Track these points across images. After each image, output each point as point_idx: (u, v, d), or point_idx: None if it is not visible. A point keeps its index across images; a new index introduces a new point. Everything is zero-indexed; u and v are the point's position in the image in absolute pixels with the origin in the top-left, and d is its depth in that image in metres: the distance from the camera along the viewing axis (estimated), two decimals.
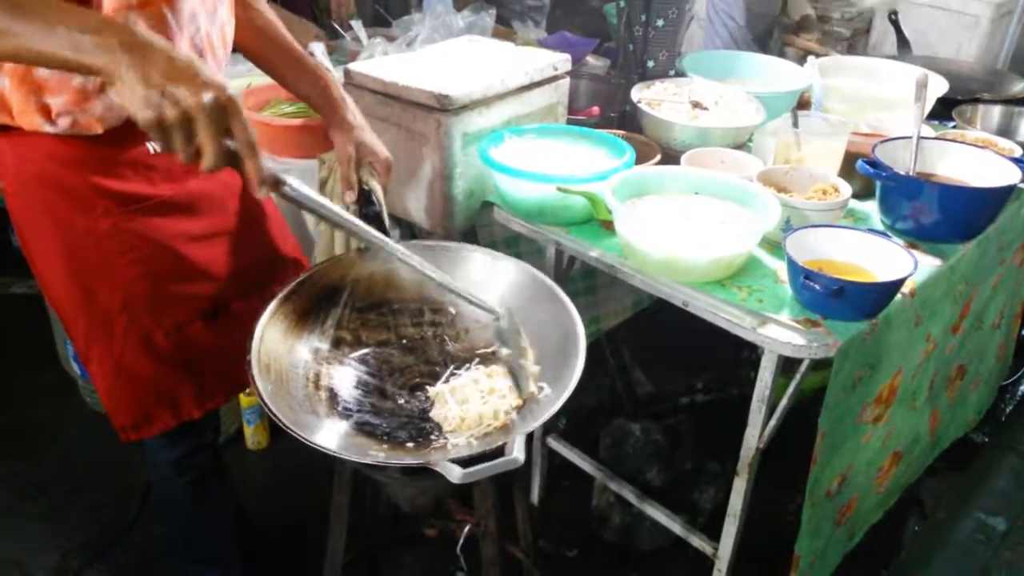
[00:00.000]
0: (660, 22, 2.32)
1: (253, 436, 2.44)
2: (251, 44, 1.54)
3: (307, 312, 1.41)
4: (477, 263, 1.50)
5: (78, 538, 2.14)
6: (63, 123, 1.24)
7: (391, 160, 1.54)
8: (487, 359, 1.41)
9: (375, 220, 1.46)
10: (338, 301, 1.46)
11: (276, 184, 1.08)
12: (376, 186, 1.51)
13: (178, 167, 1.38)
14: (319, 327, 1.42)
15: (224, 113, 0.96)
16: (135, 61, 0.92)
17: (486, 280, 1.48)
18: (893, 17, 2.79)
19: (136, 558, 2.11)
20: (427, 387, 1.36)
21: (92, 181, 1.29)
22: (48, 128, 1.24)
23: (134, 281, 1.36)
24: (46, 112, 1.22)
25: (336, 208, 1.17)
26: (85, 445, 2.45)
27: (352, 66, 1.88)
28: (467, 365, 1.39)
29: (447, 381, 1.36)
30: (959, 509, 2.28)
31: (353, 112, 1.54)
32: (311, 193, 1.12)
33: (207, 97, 0.94)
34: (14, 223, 1.37)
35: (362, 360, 1.42)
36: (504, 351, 1.38)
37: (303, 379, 1.35)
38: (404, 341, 1.47)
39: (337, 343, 1.43)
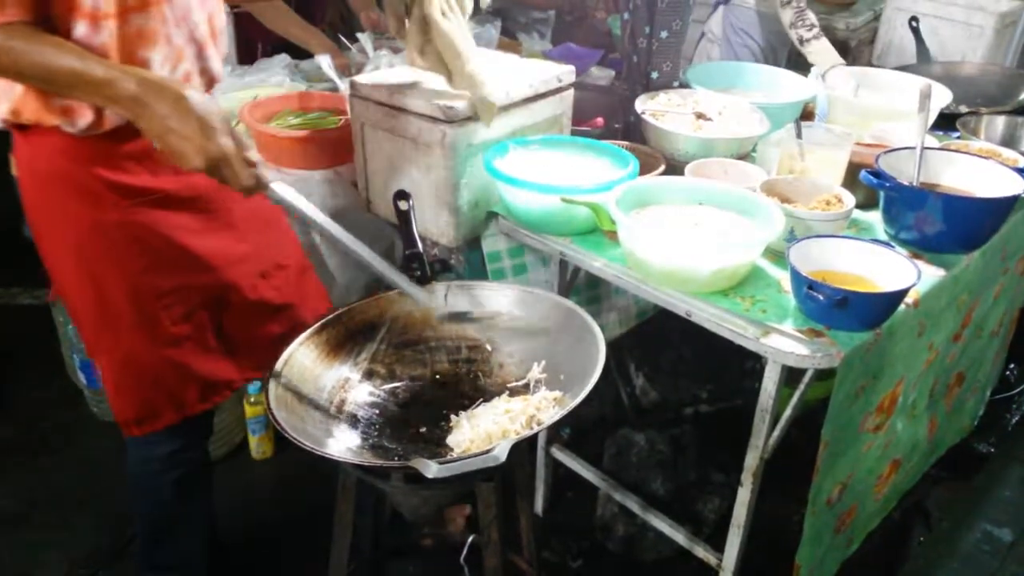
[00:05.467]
0: (664, 33, 2.34)
1: (258, 446, 2.44)
2: None
3: (341, 344, 1.45)
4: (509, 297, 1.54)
5: (85, 548, 2.15)
6: (81, 123, 1.29)
7: None
8: (517, 392, 1.43)
9: (415, 260, 1.52)
10: (375, 336, 1.50)
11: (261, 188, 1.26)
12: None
13: None
14: (352, 359, 1.47)
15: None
16: (167, 113, 1.15)
17: (520, 313, 1.52)
18: (914, 25, 2.80)
19: None
20: (452, 417, 1.38)
21: (100, 175, 1.34)
22: (68, 128, 1.29)
23: (141, 272, 1.41)
24: (67, 113, 1.27)
25: (316, 212, 1.29)
26: (92, 455, 2.46)
27: (358, 78, 1.90)
28: (498, 397, 1.41)
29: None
30: (965, 519, 2.28)
31: None
32: (294, 195, 1.29)
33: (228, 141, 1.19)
34: (28, 218, 1.42)
35: (392, 392, 1.46)
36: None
37: (326, 402, 1.39)
38: (438, 376, 1.50)
39: (369, 375, 1.47)
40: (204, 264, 1.47)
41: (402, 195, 1.56)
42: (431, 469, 1.08)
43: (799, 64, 2.56)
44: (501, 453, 1.10)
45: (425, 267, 1.53)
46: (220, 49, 1.46)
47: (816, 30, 2.49)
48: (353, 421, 1.39)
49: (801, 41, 2.50)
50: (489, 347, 1.53)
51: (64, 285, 1.44)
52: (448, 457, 1.26)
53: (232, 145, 1.19)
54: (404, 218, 1.55)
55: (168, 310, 1.44)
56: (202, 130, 1.16)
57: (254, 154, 1.23)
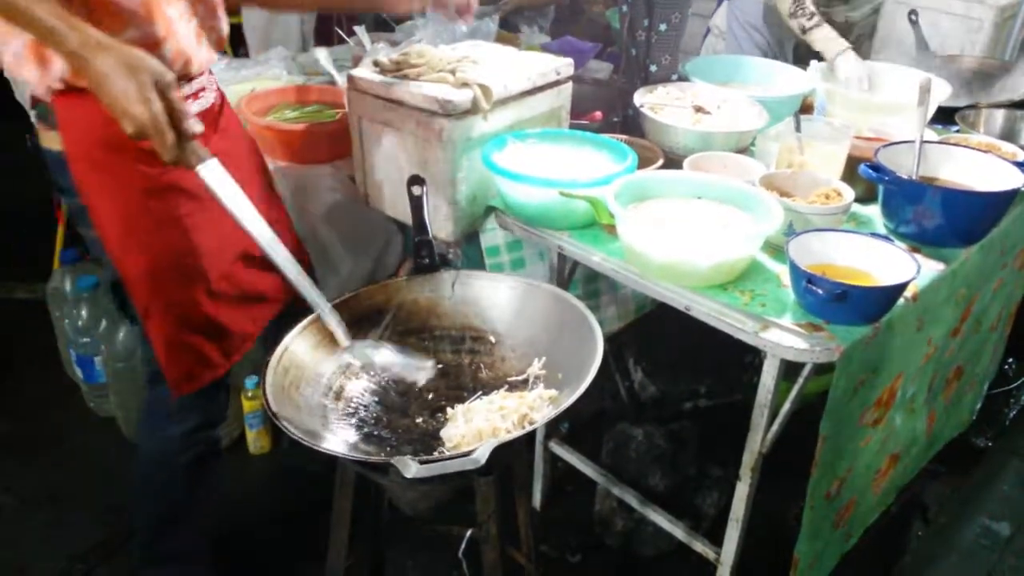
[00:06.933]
0: (663, 27, 2.33)
1: (256, 441, 2.44)
2: None
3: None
4: (506, 289, 1.54)
5: (81, 544, 2.14)
6: None
7: None
8: (516, 386, 1.43)
9: (425, 247, 1.54)
10: (379, 323, 1.51)
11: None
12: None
13: (205, 118, 1.50)
14: None
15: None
16: (119, 65, 1.12)
17: (520, 307, 1.52)
18: (913, 18, 2.79)
19: None
20: (449, 409, 1.38)
21: (143, 144, 1.36)
22: None
23: (186, 233, 1.47)
24: None
25: (245, 205, 1.27)
26: (88, 451, 2.46)
27: (355, 71, 1.89)
28: (496, 391, 1.40)
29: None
30: (963, 514, 2.28)
31: None
32: (226, 183, 1.24)
33: (156, 107, 1.13)
34: (78, 186, 1.43)
35: (393, 380, 1.45)
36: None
37: (324, 388, 1.39)
38: (440, 366, 1.50)
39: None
40: (229, 220, 1.51)
41: (416, 180, 1.55)
42: (411, 469, 1.08)
43: (805, 57, 2.54)
44: (481, 456, 1.10)
45: (434, 255, 1.54)
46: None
47: (817, 18, 2.46)
48: (352, 409, 1.39)
49: (803, 30, 2.47)
50: (493, 339, 1.52)
51: (115, 252, 1.47)
52: (432, 456, 1.25)
53: (154, 115, 1.13)
54: (416, 204, 1.54)
55: (212, 268, 1.51)
56: (131, 94, 1.12)
57: (192, 126, 1.18)
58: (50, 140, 1.44)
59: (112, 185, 1.41)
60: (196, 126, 1.19)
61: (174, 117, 1.16)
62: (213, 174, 1.22)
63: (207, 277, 1.51)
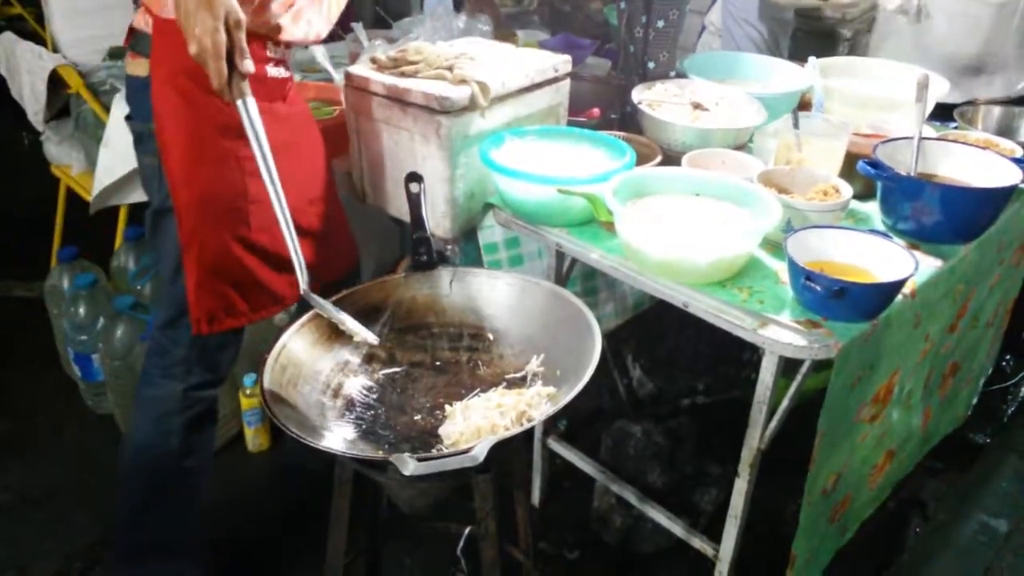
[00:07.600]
0: (660, 23, 2.33)
1: (254, 438, 2.44)
2: None
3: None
4: (503, 286, 1.54)
5: (79, 542, 2.14)
6: None
7: None
8: (514, 384, 1.43)
9: (423, 244, 1.54)
10: (378, 320, 1.50)
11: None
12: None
13: (280, 86, 1.62)
14: (354, 342, 1.46)
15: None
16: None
17: (518, 304, 1.52)
18: (912, 14, 2.79)
19: None
20: (447, 406, 1.37)
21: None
22: None
23: (243, 176, 1.53)
24: None
25: (268, 148, 1.33)
26: (86, 449, 2.45)
27: (352, 68, 1.89)
28: (494, 389, 1.40)
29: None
30: (961, 510, 2.28)
31: None
32: (257, 123, 1.31)
33: (221, 38, 1.22)
34: (156, 109, 1.50)
35: (391, 378, 1.46)
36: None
37: (322, 386, 1.39)
38: (438, 363, 1.50)
39: (369, 359, 1.47)
40: (285, 177, 1.55)
41: (414, 177, 1.55)
42: (409, 467, 1.08)
43: (801, 53, 2.53)
44: (479, 453, 1.10)
45: (432, 252, 1.54)
46: None
47: None
48: (350, 406, 1.39)
49: None
50: (491, 336, 1.52)
51: (175, 176, 1.52)
52: (430, 453, 1.25)
53: (216, 43, 1.23)
54: (414, 201, 1.54)
55: (256, 215, 1.56)
56: (204, 22, 1.22)
57: (246, 66, 1.27)
58: (135, 67, 1.55)
59: (189, 113, 1.48)
60: (249, 66, 1.27)
61: (233, 52, 1.25)
62: (250, 111, 1.30)
63: (249, 224, 1.56)
